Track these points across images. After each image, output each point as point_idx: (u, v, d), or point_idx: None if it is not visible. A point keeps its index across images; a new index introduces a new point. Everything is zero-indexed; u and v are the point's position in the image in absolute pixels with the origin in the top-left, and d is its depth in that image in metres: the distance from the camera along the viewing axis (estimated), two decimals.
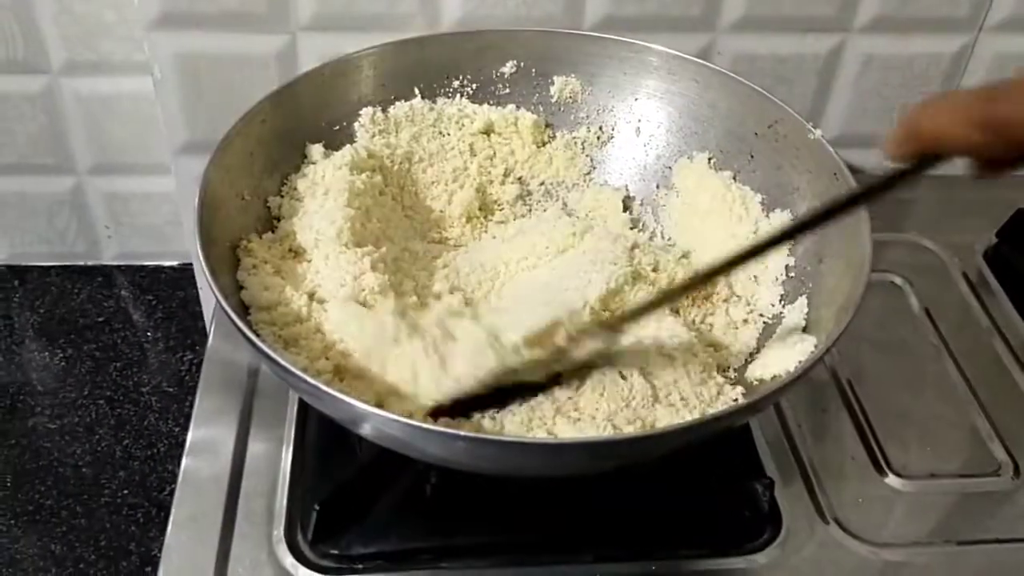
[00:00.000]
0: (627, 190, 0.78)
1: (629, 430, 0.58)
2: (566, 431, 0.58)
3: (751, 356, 0.66)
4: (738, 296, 0.70)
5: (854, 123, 0.90)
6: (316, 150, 0.71)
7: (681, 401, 0.60)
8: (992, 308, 0.80)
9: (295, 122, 0.71)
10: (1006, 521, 0.65)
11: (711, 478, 0.64)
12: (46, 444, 0.88)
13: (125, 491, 0.85)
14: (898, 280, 0.82)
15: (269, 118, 0.68)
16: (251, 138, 0.67)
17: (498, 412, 0.59)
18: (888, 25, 0.84)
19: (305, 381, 0.51)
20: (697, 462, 0.63)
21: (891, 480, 0.67)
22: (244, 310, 0.61)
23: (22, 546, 0.82)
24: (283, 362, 0.52)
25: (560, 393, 0.60)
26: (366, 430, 0.54)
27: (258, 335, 0.57)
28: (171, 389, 0.92)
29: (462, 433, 0.52)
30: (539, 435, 0.57)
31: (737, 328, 0.68)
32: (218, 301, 0.56)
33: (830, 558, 0.62)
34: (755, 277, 0.70)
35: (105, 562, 0.81)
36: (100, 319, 0.96)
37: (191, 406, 0.68)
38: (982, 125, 0.44)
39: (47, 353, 0.94)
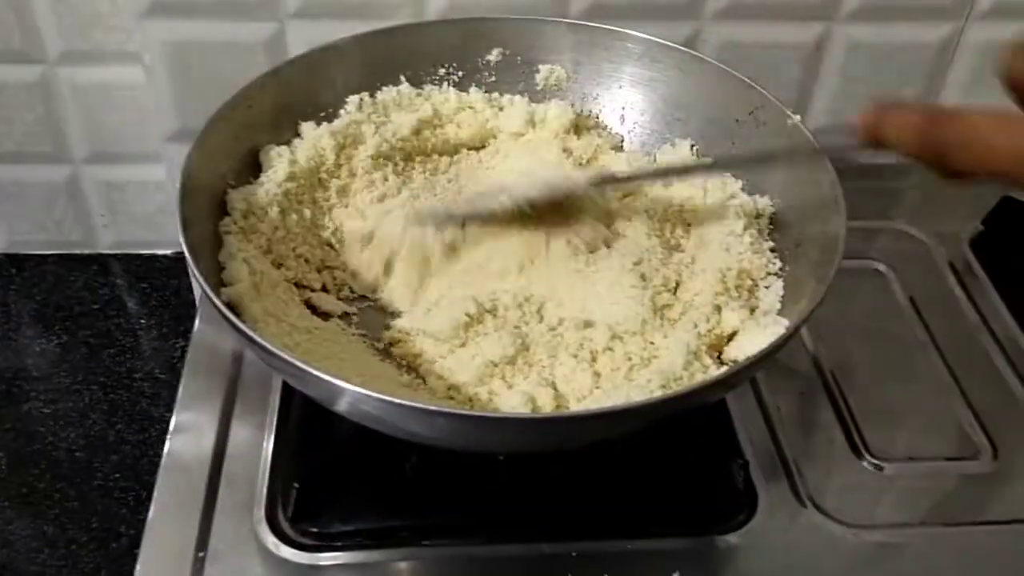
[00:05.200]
0: None
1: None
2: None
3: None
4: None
5: (841, 112, 0.90)
6: (308, 128, 0.72)
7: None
8: (977, 297, 0.80)
9: (281, 107, 0.71)
10: (983, 503, 0.66)
11: (687, 458, 0.64)
12: (40, 428, 0.88)
13: (117, 475, 0.86)
14: (883, 268, 0.82)
15: (255, 103, 0.69)
16: (236, 122, 0.67)
17: None
18: (874, 13, 0.84)
19: (282, 359, 0.52)
20: (674, 442, 0.63)
21: (869, 463, 0.67)
22: None
23: (15, 528, 0.82)
24: (261, 341, 0.53)
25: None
26: (344, 407, 0.55)
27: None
28: (163, 375, 0.93)
29: (438, 408, 0.52)
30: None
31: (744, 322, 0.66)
32: (199, 283, 0.57)
33: (806, 538, 0.62)
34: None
35: (96, 544, 0.81)
36: (95, 306, 0.97)
37: None
38: (923, 145, 0.44)
39: (43, 340, 0.94)
